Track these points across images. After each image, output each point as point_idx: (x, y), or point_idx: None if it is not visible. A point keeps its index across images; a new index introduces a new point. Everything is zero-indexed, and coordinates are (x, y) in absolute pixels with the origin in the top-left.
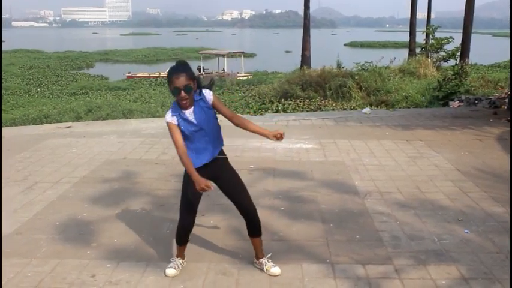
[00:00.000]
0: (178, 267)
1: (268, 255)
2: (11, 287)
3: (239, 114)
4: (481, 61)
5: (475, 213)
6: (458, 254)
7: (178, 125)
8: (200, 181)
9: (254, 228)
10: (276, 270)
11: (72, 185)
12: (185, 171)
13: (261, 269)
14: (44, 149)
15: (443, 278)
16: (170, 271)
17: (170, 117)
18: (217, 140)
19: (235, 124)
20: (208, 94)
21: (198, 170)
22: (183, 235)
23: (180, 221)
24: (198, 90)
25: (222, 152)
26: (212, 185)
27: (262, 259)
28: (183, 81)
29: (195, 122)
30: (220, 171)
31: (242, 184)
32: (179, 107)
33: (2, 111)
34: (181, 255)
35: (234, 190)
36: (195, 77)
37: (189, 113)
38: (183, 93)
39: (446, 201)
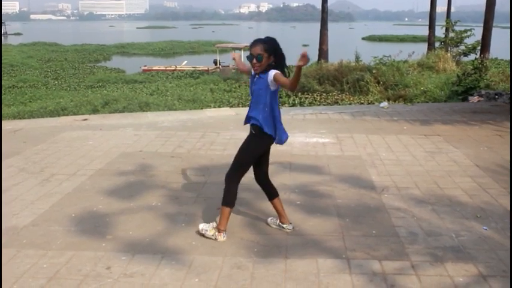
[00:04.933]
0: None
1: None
2: (27, 278)
3: (289, 81)
4: (502, 56)
5: (493, 210)
6: (476, 251)
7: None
8: None
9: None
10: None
11: (88, 178)
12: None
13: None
14: (61, 141)
15: (460, 275)
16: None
17: None
18: (253, 111)
19: (292, 88)
20: (270, 74)
21: None
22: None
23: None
24: (271, 67)
25: (253, 126)
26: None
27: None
28: (257, 50)
29: (253, 88)
30: None
31: (236, 154)
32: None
33: (20, 104)
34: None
35: None
36: (273, 52)
37: (255, 79)
38: (254, 61)
39: (465, 197)
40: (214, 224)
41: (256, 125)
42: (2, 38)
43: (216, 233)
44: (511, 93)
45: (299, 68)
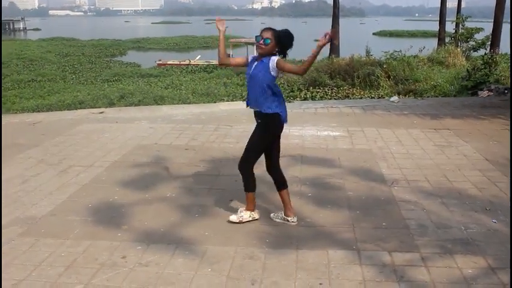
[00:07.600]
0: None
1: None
2: (46, 266)
3: (298, 66)
4: None
5: (503, 203)
6: (485, 243)
7: (247, 63)
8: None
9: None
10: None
11: (104, 169)
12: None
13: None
14: (78, 133)
15: (469, 267)
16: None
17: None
18: (258, 100)
19: (302, 73)
20: (273, 59)
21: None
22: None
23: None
24: (273, 54)
25: (261, 116)
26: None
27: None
28: (267, 35)
29: (250, 72)
30: None
31: (249, 142)
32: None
33: (39, 97)
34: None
35: None
36: (280, 40)
37: (255, 65)
38: (261, 41)
39: (474, 190)
40: (243, 208)
41: (261, 112)
42: (22, 33)
43: (252, 213)
44: (511, 89)
45: (320, 48)
